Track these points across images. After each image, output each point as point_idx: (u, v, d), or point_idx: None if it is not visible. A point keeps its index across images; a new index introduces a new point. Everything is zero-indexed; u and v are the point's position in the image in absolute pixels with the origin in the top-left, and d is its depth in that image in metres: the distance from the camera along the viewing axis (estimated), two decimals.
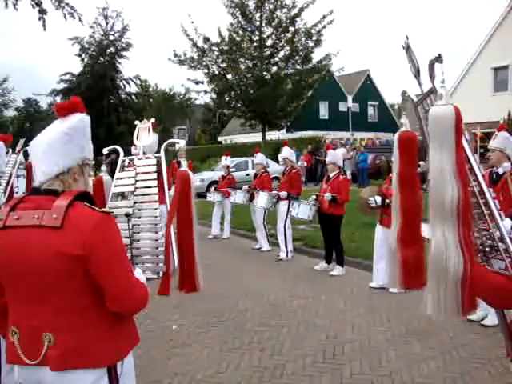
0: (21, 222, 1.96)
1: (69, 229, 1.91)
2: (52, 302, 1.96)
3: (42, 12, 15.75)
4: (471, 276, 2.11)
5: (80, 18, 16.56)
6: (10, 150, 5.62)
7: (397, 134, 2.56)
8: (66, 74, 30.93)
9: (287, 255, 9.12)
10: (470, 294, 2.15)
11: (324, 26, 25.93)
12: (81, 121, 2.14)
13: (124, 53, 31.49)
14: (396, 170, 2.54)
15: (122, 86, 31.95)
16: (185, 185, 2.91)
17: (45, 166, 2.04)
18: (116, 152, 3.38)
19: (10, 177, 5.16)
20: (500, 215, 2.26)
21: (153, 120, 3.34)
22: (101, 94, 29.64)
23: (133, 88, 32.48)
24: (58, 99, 30.38)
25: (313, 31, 26.06)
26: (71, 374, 1.96)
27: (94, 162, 2.20)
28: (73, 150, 2.07)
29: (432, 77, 2.28)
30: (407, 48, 2.43)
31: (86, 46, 30.43)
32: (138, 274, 2.27)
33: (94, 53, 30.53)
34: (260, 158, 10.16)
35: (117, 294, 1.99)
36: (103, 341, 2.01)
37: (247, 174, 19.66)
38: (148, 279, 2.88)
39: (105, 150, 3.40)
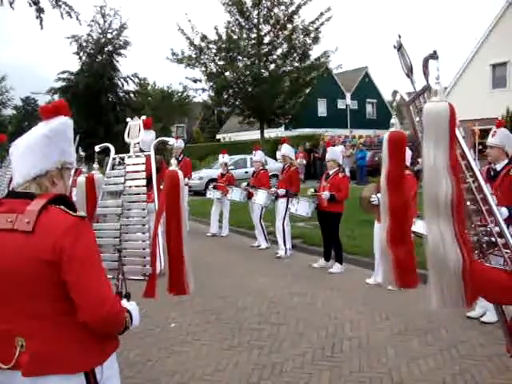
0: None
1: (40, 233, 1.88)
2: (24, 307, 1.92)
3: (39, 11, 15.64)
4: (470, 269, 2.12)
5: (77, 17, 16.43)
6: None
7: (386, 134, 2.54)
8: (63, 72, 30.71)
9: (286, 253, 9.11)
10: (471, 286, 2.15)
11: (322, 23, 25.86)
12: (63, 124, 2.11)
13: (122, 51, 31.31)
14: (385, 169, 2.53)
15: (120, 85, 31.80)
16: (173, 184, 2.85)
17: (22, 167, 2.02)
18: (107, 150, 3.35)
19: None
20: (498, 210, 2.26)
21: (144, 117, 3.31)
22: (99, 93, 29.52)
23: (131, 86, 32.31)
24: (56, 97, 30.27)
25: (310, 28, 25.97)
26: (45, 379, 1.93)
27: (80, 167, 2.18)
28: (52, 152, 2.04)
29: (426, 74, 2.27)
30: (399, 47, 2.41)
31: (84, 44, 30.29)
32: (130, 304, 2.22)
33: (91, 51, 30.39)
34: (259, 155, 10.17)
35: (86, 304, 1.91)
36: (78, 346, 1.97)
37: (246, 172, 19.66)
38: (136, 281, 2.87)
39: (97, 148, 3.37)
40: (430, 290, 2.27)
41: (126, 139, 3.23)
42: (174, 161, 3.00)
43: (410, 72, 2.40)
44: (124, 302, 2.23)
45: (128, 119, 3.34)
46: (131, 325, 2.15)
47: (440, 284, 2.19)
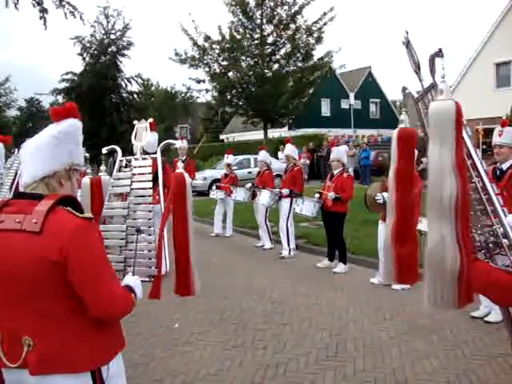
0: (3, 226, 1.95)
1: (48, 234, 1.90)
2: (31, 307, 1.94)
3: (43, 11, 15.68)
4: (468, 271, 2.11)
5: (81, 17, 16.45)
6: (16, 150, 5.65)
7: (396, 131, 2.53)
8: (67, 73, 30.78)
9: (290, 253, 9.11)
10: (467, 288, 2.15)
11: (325, 23, 25.84)
12: (72, 126, 2.14)
13: (125, 52, 31.37)
14: (394, 166, 2.52)
15: (124, 85, 31.84)
16: (180, 186, 2.86)
17: (31, 168, 2.05)
18: (115, 151, 3.36)
19: (16, 175, 5.19)
20: (503, 211, 2.24)
21: (151, 120, 3.32)
22: (102, 93, 29.56)
23: (134, 87, 32.34)
24: (60, 99, 30.35)
25: (314, 28, 25.96)
26: (52, 378, 1.95)
27: (84, 168, 2.20)
28: (61, 154, 2.07)
29: (432, 72, 2.26)
30: (407, 43, 2.41)
31: (88, 45, 30.33)
32: (132, 280, 2.28)
33: (95, 52, 30.44)
34: (263, 155, 10.17)
35: (98, 303, 1.97)
36: (85, 346, 1.99)
37: (249, 172, 19.67)
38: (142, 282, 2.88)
39: (104, 150, 3.38)
40: (424, 289, 2.28)
41: (133, 142, 3.25)
42: (180, 163, 3.03)
43: (417, 69, 2.39)
44: (127, 279, 2.31)
45: (135, 122, 3.35)
46: (135, 299, 2.22)
47: (434, 284, 2.20)
